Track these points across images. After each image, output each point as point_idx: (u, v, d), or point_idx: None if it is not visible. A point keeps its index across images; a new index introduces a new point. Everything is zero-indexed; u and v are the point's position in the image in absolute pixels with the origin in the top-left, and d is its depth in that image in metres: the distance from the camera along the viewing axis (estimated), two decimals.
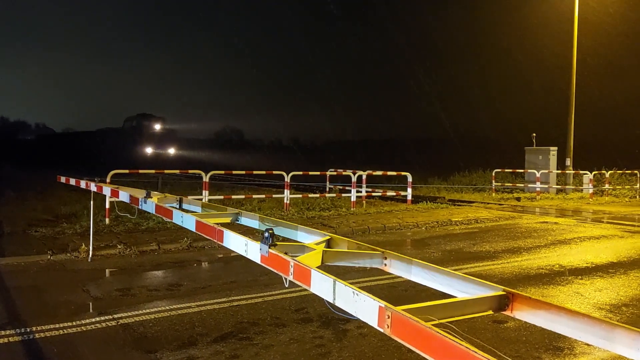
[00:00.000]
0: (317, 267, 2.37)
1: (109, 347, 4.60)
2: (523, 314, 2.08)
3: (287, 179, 13.35)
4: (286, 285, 2.72)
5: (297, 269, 2.40)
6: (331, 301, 2.14)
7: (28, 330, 4.90)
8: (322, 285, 2.21)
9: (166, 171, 18.03)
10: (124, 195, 5.58)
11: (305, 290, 2.36)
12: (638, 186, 20.66)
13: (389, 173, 16.30)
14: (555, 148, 21.09)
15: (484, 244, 9.77)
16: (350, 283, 2.07)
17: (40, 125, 78.32)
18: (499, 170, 21.01)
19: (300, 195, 14.84)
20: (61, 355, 4.41)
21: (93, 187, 7.11)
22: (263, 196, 14.60)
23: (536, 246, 9.52)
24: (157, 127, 41.79)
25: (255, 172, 16.88)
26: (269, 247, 2.65)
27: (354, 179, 14.23)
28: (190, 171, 14.88)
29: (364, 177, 14.88)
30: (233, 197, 13.63)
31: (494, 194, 19.34)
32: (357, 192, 14.42)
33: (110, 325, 5.09)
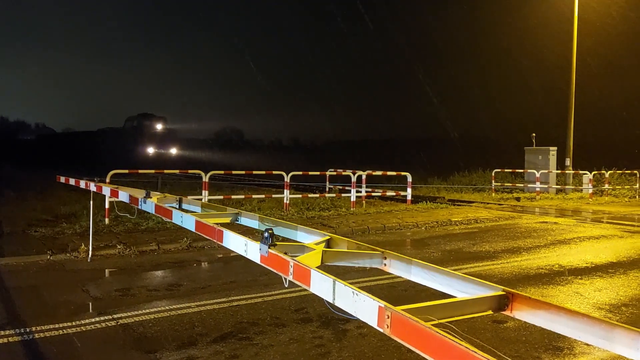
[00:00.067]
0: (317, 267, 2.37)
1: (109, 347, 4.60)
2: (523, 314, 2.08)
3: (287, 179, 13.35)
4: (286, 285, 2.72)
5: (297, 269, 2.40)
6: (331, 301, 2.14)
7: (28, 330, 4.89)
8: (321, 285, 2.21)
9: (166, 171, 18.05)
10: (123, 195, 5.57)
11: (305, 290, 2.36)
12: (638, 186, 20.66)
13: (389, 173, 16.30)
14: (555, 148, 21.10)
15: (484, 244, 9.77)
16: (350, 283, 2.07)
17: (40, 125, 78.31)
18: (499, 170, 21.00)
19: (300, 195, 14.83)
20: (61, 356, 4.41)
21: (92, 187, 7.11)
22: (263, 196, 14.60)
23: (536, 246, 9.52)
24: (159, 127, 41.59)
25: (255, 172, 16.87)
26: (269, 247, 2.65)
27: (353, 179, 14.22)
28: (189, 171, 14.88)
29: (364, 177, 14.88)
30: (233, 197, 13.63)
31: (493, 194, 19.34)
32: (357, 192, 14.42)
33: (110, 325, 5.09)
